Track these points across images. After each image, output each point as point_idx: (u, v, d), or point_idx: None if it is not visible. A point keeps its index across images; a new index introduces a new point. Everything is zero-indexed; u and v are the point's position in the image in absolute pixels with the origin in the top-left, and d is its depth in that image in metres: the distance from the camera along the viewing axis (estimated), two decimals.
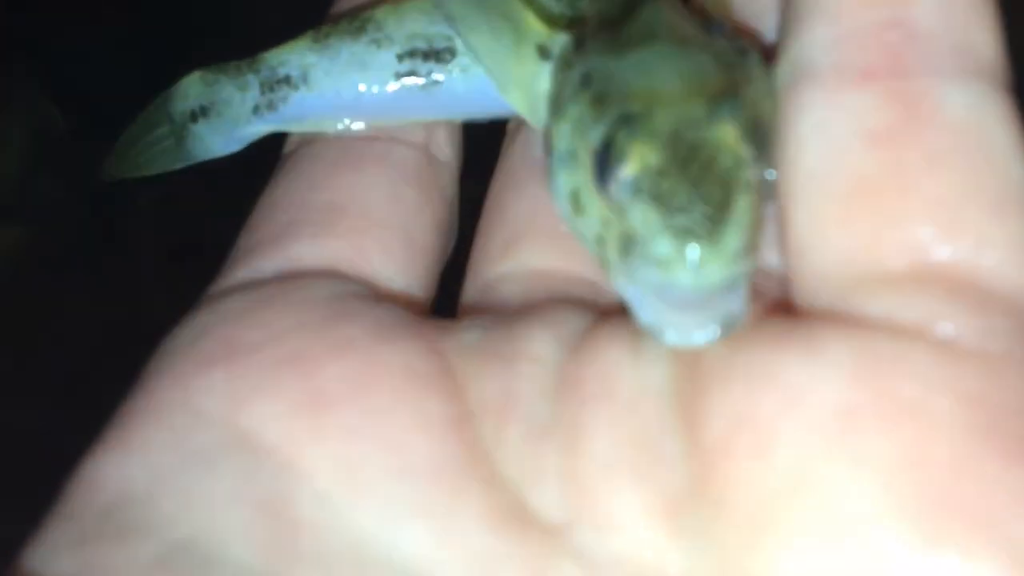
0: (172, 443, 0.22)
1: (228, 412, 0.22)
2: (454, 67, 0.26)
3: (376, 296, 0.25)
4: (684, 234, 0.19)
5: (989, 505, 0.17)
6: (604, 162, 0.20)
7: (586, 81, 0.22)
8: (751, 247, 0.20)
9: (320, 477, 0.21)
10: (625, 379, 0.21)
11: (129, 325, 0.58)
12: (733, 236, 0.19)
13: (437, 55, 0.26)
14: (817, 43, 0.21)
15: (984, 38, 0.20)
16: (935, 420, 0.18)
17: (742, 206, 0.19)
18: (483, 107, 0.26)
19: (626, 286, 0.20)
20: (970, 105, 0.20)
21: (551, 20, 0.24)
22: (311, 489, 0.21)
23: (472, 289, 0.26)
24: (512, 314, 0.24)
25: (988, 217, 0.19)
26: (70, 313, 0.59)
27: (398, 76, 0.26)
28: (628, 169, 0.20)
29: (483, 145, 0.28)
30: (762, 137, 0.20)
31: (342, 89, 0.26)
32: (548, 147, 0.22)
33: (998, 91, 0.20)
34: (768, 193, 0.21)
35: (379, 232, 0.26)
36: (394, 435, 0.21)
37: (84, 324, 0.59)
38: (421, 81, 0.26)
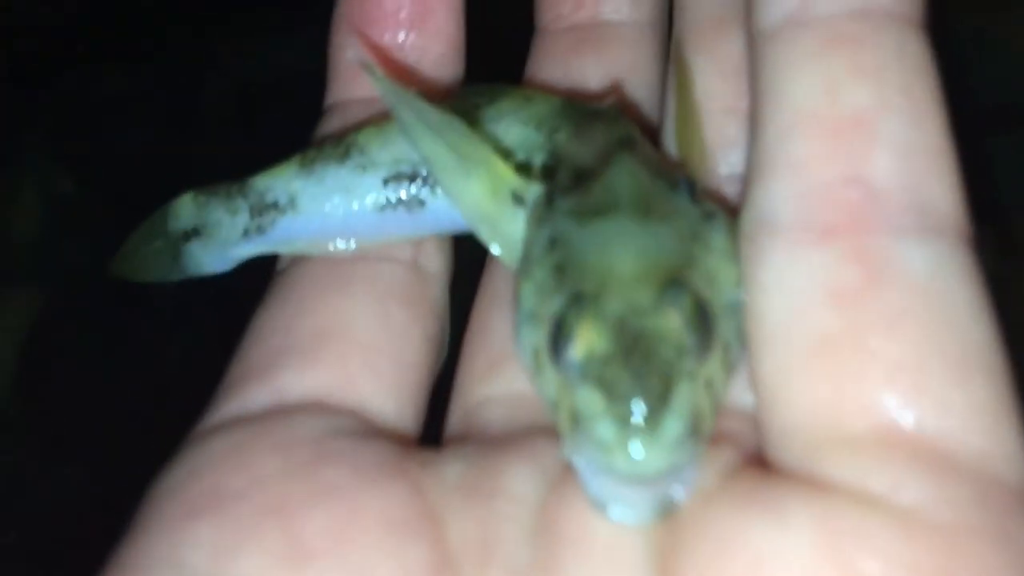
0: None
1: (213, 567, 0.22)
2: (438, 188, 0.26)
3: (362, 430, 0.25)
4: (624, 423, 0.19)
5: None
6: (556, 337, 0.21)
7: (551, 245, 0.22)
8: (693, 433, 0.20)
9: None
10: (602, 524, 0.21)
11: (146, 381, 0.60)
12: (672, 426, 0.19)
13: (421, 178, 0.27)
14: (780, 197, 0.21)
15: (943, 191, 0.21)
16: None
17: (682, 397, 0.20)
18: (468, 225, 0.27)
19: (574, 459, 0.20)
20: (930, 264, 0.20)
21: (524, 170, 0.25)
22: None
23: (457, 411, 0.26)
24: (495, 442, 0.24)
25: (949, 382, 0.19)
26: (88, 372, 0.60)
27: (384, 199, 0.27)
28: (576, 351, 0.20)
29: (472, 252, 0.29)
30: (708, 320, 0.21)
31: (329, 213, 0.27)
32: (515, 299, 0.23)
33: (958, 247, 0.21)
34: (735, 356, 0.22)
35: (367, 356, 0.26)
36: None
37: (102, 382, 0.60)
38: (406, 203, 0.27)
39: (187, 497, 0.23)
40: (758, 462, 0.21)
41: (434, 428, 0.27)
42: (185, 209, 0.29)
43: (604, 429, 0.19)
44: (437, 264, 0.28)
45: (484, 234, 0.25)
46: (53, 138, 0.64)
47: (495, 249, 0.25)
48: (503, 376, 0.26)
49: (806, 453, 0.20)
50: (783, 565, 0.19)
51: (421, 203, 0.27)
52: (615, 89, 0.28)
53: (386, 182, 0.27)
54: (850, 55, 0.21)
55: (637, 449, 0.19)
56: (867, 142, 0.21)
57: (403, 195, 0.27)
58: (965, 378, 0.20)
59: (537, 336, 0.22)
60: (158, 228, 0.30)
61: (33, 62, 0.63)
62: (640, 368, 0.20)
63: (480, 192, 0.25)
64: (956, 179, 0.21)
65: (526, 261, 0.23)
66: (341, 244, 0.27)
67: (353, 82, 0.29)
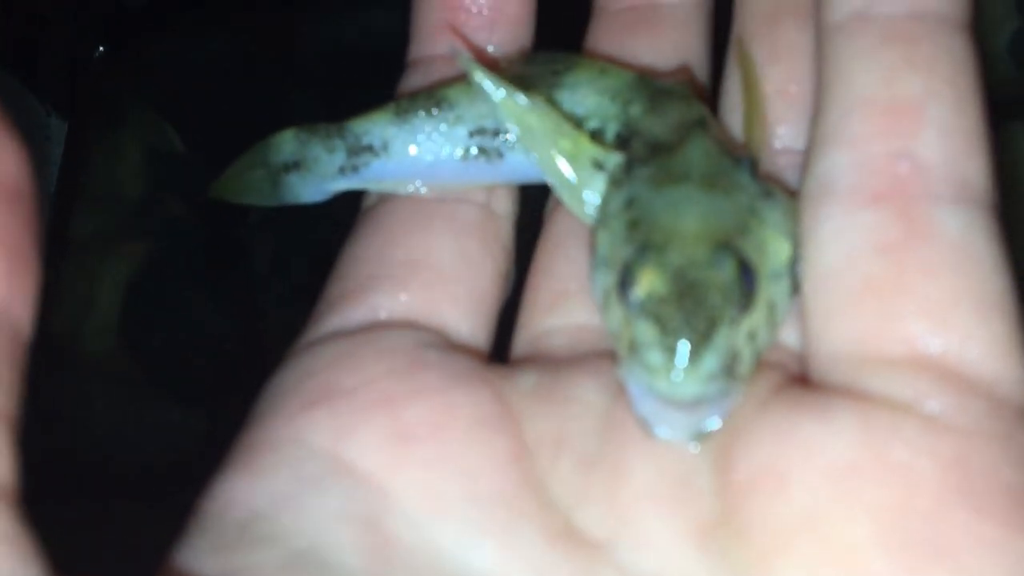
0: (288, 471, 0.26)
1: (331, 445, 0.26)
2: (516, 144, 0.29)
3: (447, 345, 0.29)
4: (670, 352, 0.23)
5: (956, 546, 0.21)
6: (625, 278, 0.24)
7: (628, 204, 0.26)
8: (729, 371, 0.23)
9: (408, 500, 0.25)
10: None
11: (243, 331, 0.62)
12: (709, 361, 0.23)
13: (502, 133, 0.29)
14: (839, 166, 0.25)
15: (977, 168, 0.25)
16: (919, 478, 0.22)
17: (721, 338, 0.23)
18: (539, 177, 0.30)
19: (628, 380, 0.24)
20: (962, 226, 0.24)
21: (598, 138, 0.29)
22: (401, 510, 0.25)
23: (523, 339, 0.30)
24: (562, 362, 0.28)
25: (972, 318, 0.24)
26: (193, 324, 0.63)
27: (467, 150, 0.30)
28: (639, 290, 0.24)
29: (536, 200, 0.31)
30: (752, 279, 0.24)
31: (417, 159, 0.30)
32: (592, 246, 0.26)
33: (987, 215, 0.25)
34: (781, 316, 0.25)
35: (447, 284, 0.30)
36: (466, 467, 0.25)
37: (206, 334, 0.63)
38: (487, 155, 0.30)
39: (303, 392, 0.27)
40: (803, 383, 0.25)
41: (498, 355, 0.29)
42: (287, 144, 0.33)
43: (653, 356, 0.23)
44: (506, 208, 0.32)
45: (564, 193, 0.28)
46: (160, 98, 0.66)
47: (572, 205, 0.28)
48: (565, 309, 0.29)
49: (849, 373, 0.24)
50: (828, 454, 0.23)
51: (500, 155, 0.29)
52: (685, 70, 0.31)
53: (471, 135, 0.29)
54: (905, 50, 0.25)
55: (677, 375, 0.22)
56: (916, 124, 0.25)
57: (485, 148, 0.29)
58: (985, 317, 0.24)
59: (608, 278, 0.25)
60: (260, 158, 0.33)
61: (139, 25, 0.65)
62: (690, 310, 0.23)
63: (564, 159, 0.28)
64: (989, 159, 0.25)
65: (603, 216, 0.27)
66: (425, 187, 0.29)
67: (435, 39, 0.32)
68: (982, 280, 0.24)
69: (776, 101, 0.29)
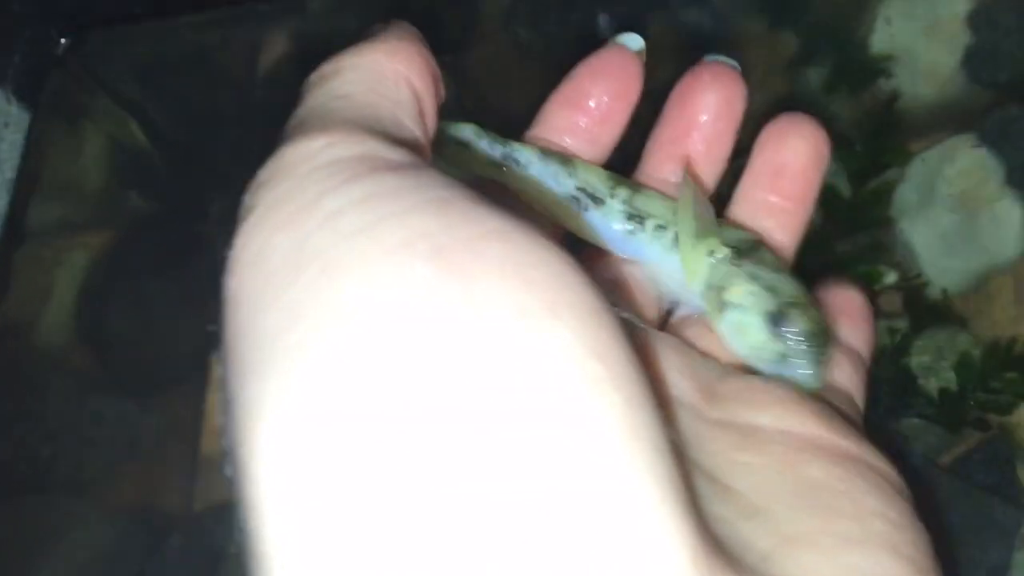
0: None
1: None
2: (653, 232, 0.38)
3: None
4: (819, 362, 0.35)
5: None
6: (778, 320, 0.35)
7: (752, 277, 0.36)
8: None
9: None
10: None
11: (207, 328, 0.62)
12: (828, 359, 0.35)
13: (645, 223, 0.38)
14: None
15: None
16: None
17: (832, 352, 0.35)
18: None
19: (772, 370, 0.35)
20: None
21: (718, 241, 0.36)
22: None
23: None
24: None
25: None
26: (153, 316, 0.63)
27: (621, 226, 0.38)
28: (800, 326, 0.35)
29: None
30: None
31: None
32: (715, 302, 0.36)
33: None
34: None
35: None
36: None
37: (165, 327, 0.63)
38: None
39: None
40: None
41: None
42: (466, 131, 0.39)
43: (806, 363, 0.35)
44: None
45: (684, 266, 0.37)
46: (123, 90, 0.66)
47: (688, 276, 0.37)
48: None
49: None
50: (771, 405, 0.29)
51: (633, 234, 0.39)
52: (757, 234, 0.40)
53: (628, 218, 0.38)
54: None
55: (821, 375, 0.36)
56: None
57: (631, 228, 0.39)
58: None
59: (744, 318, 0.36)
60: (444, 134, 0.38)
61: (104, 15, 0.65)
62: (824, 339, 0.35)
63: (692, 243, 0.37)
64: None
65: (727, 282, 0.37)
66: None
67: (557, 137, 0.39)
68: None
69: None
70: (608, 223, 0.38)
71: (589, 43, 0.38)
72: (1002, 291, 0.74)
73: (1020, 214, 0.72)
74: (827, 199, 0.68)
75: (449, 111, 0.31)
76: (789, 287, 0.36)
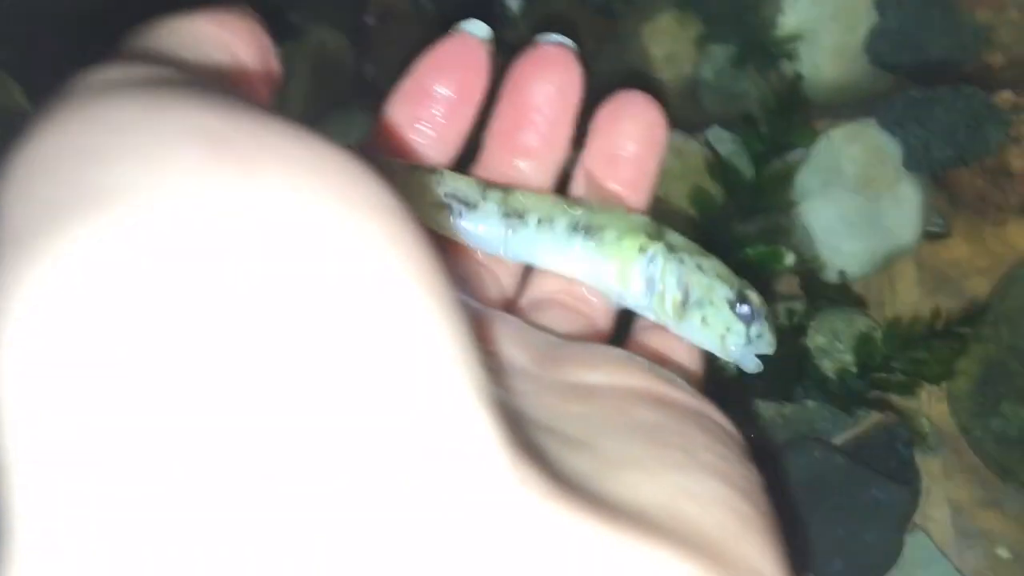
0: None
1: None
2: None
3: None
4: (772, 333, 0.36)
5: None
6: (739, 303, 0.35)
7: (698, 268, 0.36)
8: None
9: None
10: None
11: None
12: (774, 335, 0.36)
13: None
14: None
15: None
16: None
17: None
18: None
19: (737, 353, 0.35)
20: None
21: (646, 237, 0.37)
22: None
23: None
24: None
25: None
26: None
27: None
28: (755, 302, 0.35)
29: None
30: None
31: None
32: (673, 309, 0.36)
33: None
34: None
35: None
36: None
37: None
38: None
39: None
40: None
41: None
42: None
43: (765, 335, 0.36)
44: None
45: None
46: (3, 52, 0.65)
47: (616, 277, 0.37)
48: None
49: None
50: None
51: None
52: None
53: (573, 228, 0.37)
54: None
55: (774, 343, 0.37)
56: None
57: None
58: None
59: (705, 309, 0.36)
60: None
61: None
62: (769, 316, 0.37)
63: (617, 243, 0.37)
64: None
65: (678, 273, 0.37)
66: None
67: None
68: None
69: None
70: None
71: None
72: (904, 273, 0.75)
73: (920, 197, 0.72)
74: (729, 180, 0.68)
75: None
76: (721, 266, 0.37)
